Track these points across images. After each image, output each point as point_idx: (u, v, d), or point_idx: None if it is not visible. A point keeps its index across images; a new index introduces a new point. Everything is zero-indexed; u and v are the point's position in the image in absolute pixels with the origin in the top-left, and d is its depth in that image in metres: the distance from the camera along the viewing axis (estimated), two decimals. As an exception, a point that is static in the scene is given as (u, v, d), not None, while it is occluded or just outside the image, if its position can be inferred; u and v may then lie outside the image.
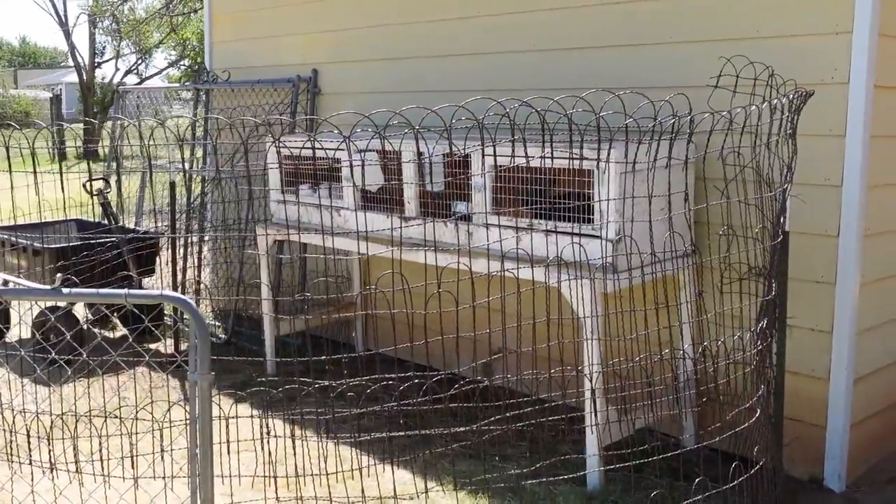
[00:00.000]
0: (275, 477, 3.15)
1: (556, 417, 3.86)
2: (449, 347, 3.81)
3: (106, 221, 6.42)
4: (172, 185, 6.01)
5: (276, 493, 3.28)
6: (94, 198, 6.25)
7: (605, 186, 3.89)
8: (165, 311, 6.74)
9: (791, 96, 3.48)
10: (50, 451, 2.86)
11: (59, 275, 2.48)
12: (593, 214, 4.01)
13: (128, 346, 4.29)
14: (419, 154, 4.61)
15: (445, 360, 4.13)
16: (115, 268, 6.03)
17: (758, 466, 3.34)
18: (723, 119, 3.52)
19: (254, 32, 7.04)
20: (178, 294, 2.37)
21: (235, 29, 7.25)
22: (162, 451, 2.87)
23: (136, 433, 2.78)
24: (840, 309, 4.04)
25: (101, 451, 2.84)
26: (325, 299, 6.16)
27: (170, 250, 6.03)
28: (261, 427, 2.99)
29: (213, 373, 2.34)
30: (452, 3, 5.49)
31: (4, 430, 2.87)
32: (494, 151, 3.85)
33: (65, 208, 5.02)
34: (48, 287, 2.47)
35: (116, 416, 2.84)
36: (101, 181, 6.36)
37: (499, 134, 3.73)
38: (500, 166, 4.24)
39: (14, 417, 2.94)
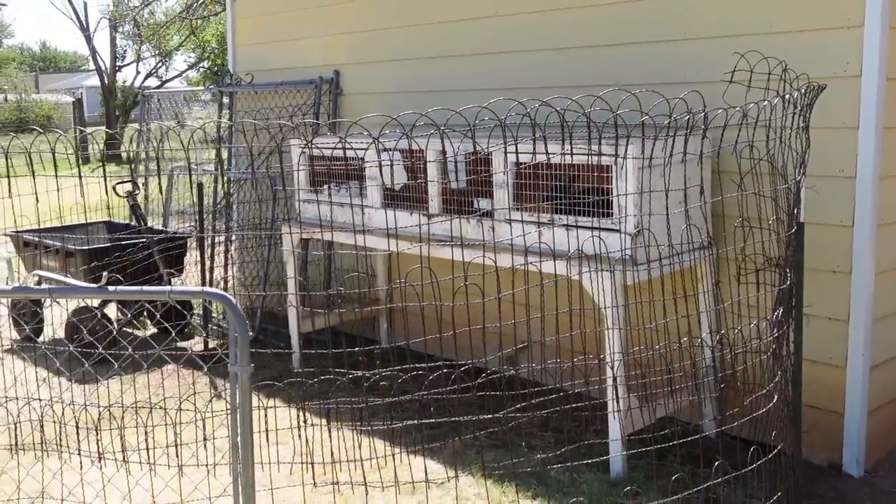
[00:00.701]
0: (312, 463, 3.28)
1: (579, 405, 3.96)
2: (476, 340, 3.93)
3: (135, 223, 6.59)
4: (200, 187, 6.17)
5: (314, 478, 3.41)
6: (125, 199, 6.42)
7: (624, 181, 4.00)
8: (194, 311, 6.91)
9: (804, 90, 3.57)
10: (98, 441, 3.01)
11: (104, 273, 2.61)
12: (612, 209, 4.11)
13: (168, 341, 4.44)
14: (443, 153, 4.73)
15: (472, 352, 4.25)
16: (146, 268, 6.20)
17: (775, 451, 3.44)
18: (737, 114, 3.62)
19: (275, 35, 7.18)
20: (218, 290, 2.50)
21: (257, 32, 7.40)
22: (205, 440, 3.01)
23: (181, 423, 2.92)
24: (856, 298, 4.12)
25: (146, 440, 2.98)
26: (352, 295, 6.30)
27: (198, 250, 6.19)
28: (298, 416, 3.13)
29: (252, 364, 2.47)
30: (471, 3, 5.60)
31: (54, 422, 3.01)
32: (516, 149, 3.96)
33: (85, 211, 5.18)
34: (95, 285, 2.61)
35: (161, 408, 2.98)
36: (129, 184, 6.53)
37: (520, 132, 3.85)
38: (521, 164, 4.36)
39: (63, 410, 3.09)
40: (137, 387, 4.57)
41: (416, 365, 3.54)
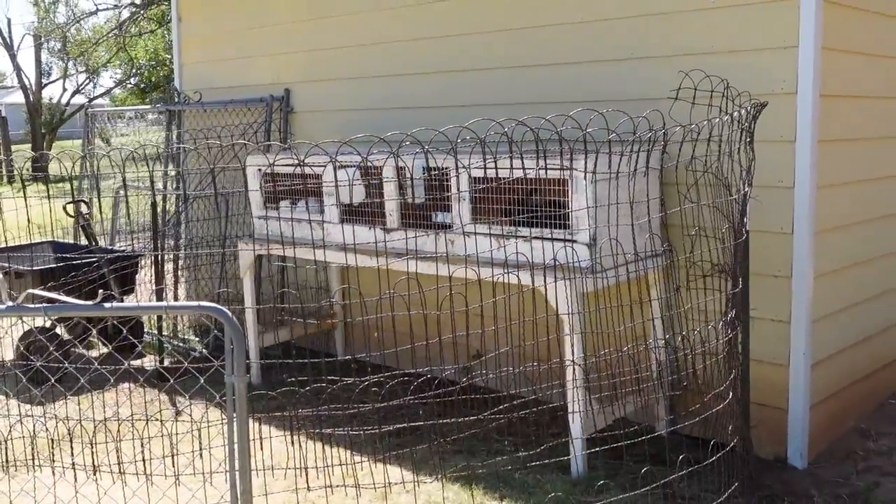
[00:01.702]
0: (305, 468, 3.38)
1: (536, 409, 4.14)
2: (434, 352, 4.08)
3: (85, 242, 6.57)
4: (154, 205, 6.19)
5: (308, 483, 3.50)
6: (75, 219, 6.40)
7: (581, 194, 4.19)
8: (146, 329, 6.90)
9: (749, 107, 3.83)
10: (93, 453, 3.06)
11: (100, 291, 2.67)
12: (570, 221, 4.31)
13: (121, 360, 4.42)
14: (400, 170, 4.87)
15: (430, 363, 4.39)
16: (94, 289, 6.16)
17: (730, 446, 3.66)
18: (690, 130, 3.86)
19: (224, 53, 7.24)
20: (214, 304, 2.60)
21: (205, 50, 7.44)
22: (201, 449, 3.09)
23: (177, 434, 3.00)
24: (796, 300, 4.39)
25: (143, 451, 3.05)
26: (308, 310, 6.39)
27: (154, 267, 6.20)
28: (290, 424, 3.22)
29: (248, 375, 2.57)
30: (423, 22, 5.77)
31: (46, 437, 3.05)
32: (476, 164, 4.13)
33: (29, 231, 5.18)
34: (91, 303, 2.68)
35: (158, 420, 3.05)
36: (81, 203, 6.51)
37: (476, 149, 4.03)
38: (480, 179, 4.53)
39: (57, 425, 3.13)
40: (102, 404, 4.59)
41: (381, 375, 3.66)
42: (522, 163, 4.20)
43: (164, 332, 6.90)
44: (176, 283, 7.24)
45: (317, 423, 4.28)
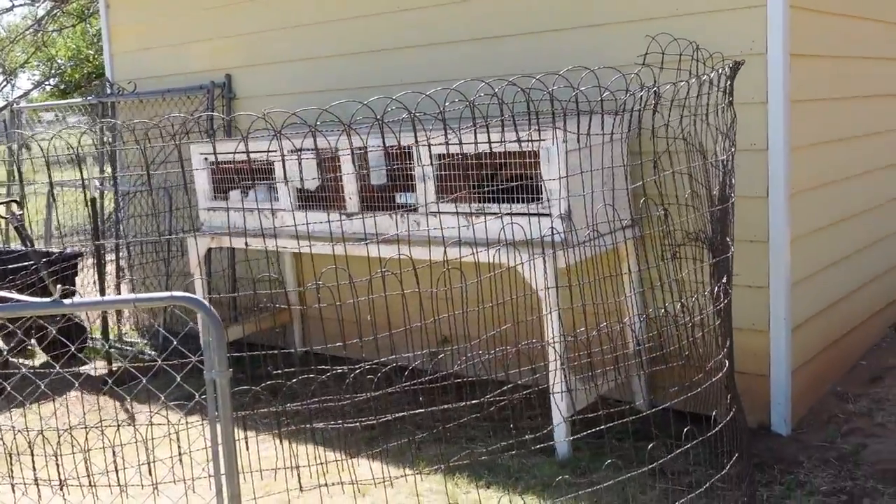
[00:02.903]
0: (297, 468, 3.16)
1: (514, 393, 3.97)
2: (404, 340, 3.89)
3: (20, 244, 6.19)
4: (93, 202, 5.85)
5: (300, 482, 3.28)
6: (8, 220, 6.02)
7: (551, 165, 4.03)
8: (89, 335, 6.56)
9: (729, 66, 3.71)
10: (58, 465, 2.79)
11: (59, 287, 2.41)
12: (541, 194, 4.15)
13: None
14: (359, 149, 4.65)
15: (399, 352, 4.19)
16: (35, 292, 5.82)
17: (728, 417, 3.55)
18: (663, 94, 3.72)
19: (158, 40, 6.90)
20: (188, 294, 2.36)
21: (138, 38, 7.08)
22: (180, 454, 2.84)
23: (153, 439, 2.75)
24: (774, 265, 4.31)
25: (115, 461, 2.79)
26: (262, 304, 6.13)
27: (96, 267, 5.87)
28: (278, 423, 3.00)
29: (231, 370, 2.35)
30: (370, -1, 5.55)
31: (4, 450, 2.76)
32: (431, 139, 3.93)
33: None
34: (47, 300, 2.42)
35: (130, 424, 2.79)
36: (12, 203, 6.13)
37: (437, 124, 3.82)
38: (446, 155, 4.34)
39: (14, 437, 2.84)
40: (61, 413, 4.28)
41: (352, 368, 3.46)
42: (489, 136, 4.02)
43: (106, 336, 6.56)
44: (118, 283, 6.90)
45: (296, 420, 4.07)
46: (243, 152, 5.27)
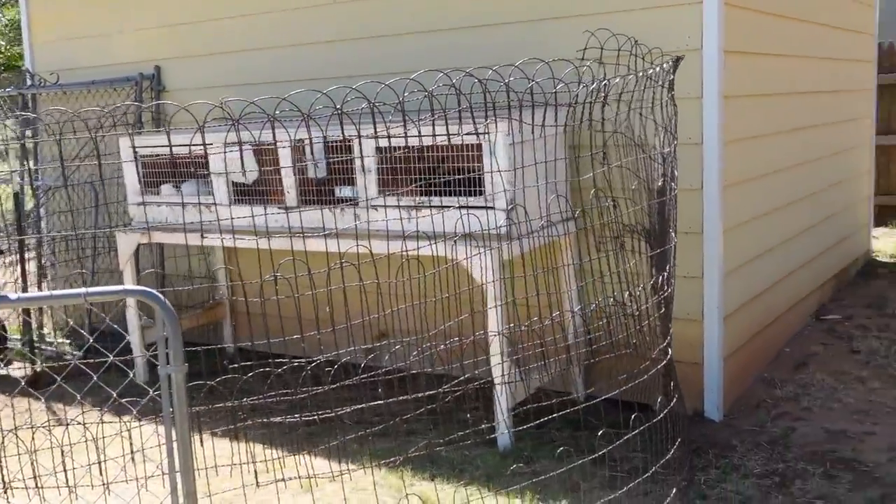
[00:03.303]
0: (254, 462, 3.10)
1: (455, 387, 4.00)
2: (343, 335, 3.87)
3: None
4: (17, 196, 5.66)
5: (256, 478, 3.21)
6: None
7: (495, 158, 4.06)
8: (8, 336, 6.35)
9: (669, 61, 3.79)
10: (2, 468, 2.68)
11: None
12: (484, 187, 4.18)
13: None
14: (298, 141, 4.60)
15: (340, 348, 4.17)
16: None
17: (671, 405, 3.64)
18: (603, 89, 3.79)
19: (84, 30, 6.68)
20: (141, 287, 2.31)
21: (62, 27, 6.85)
22: (132, 452, 2.77)
23: (104, 437, 2.67)
24: (708, 256, 4.44)
25: (63, 461, 2.70)
26: (194, 301, 6.02)
27: (19, 264, 5.68)
28: (233, 418, 2.95)
29: (186, 365, 2.31)
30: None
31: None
32: (375, 131, 3.93)
33: None
34: (-7, 296, 2.33)
35: (80, 423, 2.70)
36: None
37: (378, 117, 3.81)
38: (387, 148, 4.33)
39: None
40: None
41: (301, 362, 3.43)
42: (433, 129, 4.03)
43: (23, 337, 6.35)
44: (39, 282, 6.68)
45: (252, 416, 4.01)
46: (174, 145, 5.17)
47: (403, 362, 4.02)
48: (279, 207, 4.79)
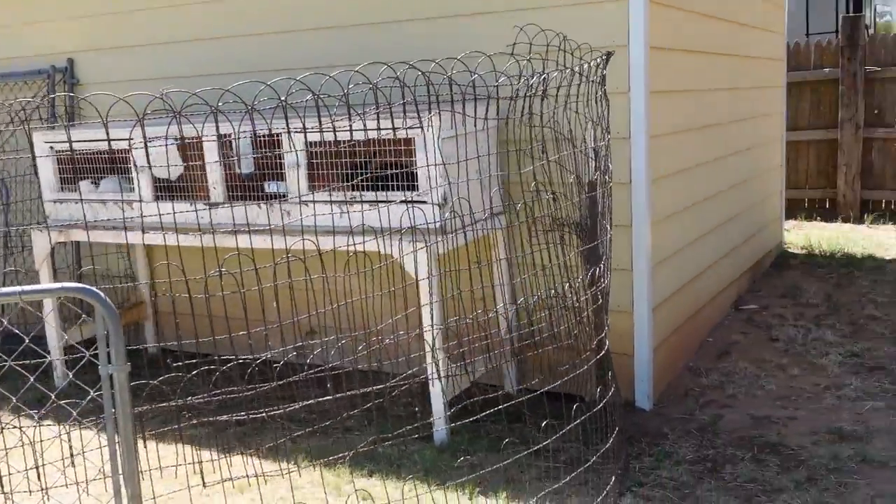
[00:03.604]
0: (199, 462, 3.00)
1: (390, 384, 3.98)
2: (271, 334, 3.81)
3: None
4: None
5: (203, 479, 3.11)
6: None
7: (428, 153, 4.04)
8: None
9: (602, 56, 3.84)
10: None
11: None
12: (417, 181, 4.16)
13: None
14: (225, 136, 4.50)
15: (271, 346, 4.10)
16: None
17: (608, 395, 3.69)
18: (547, 81, 3.81)
19: (-12, 21, 6.40)
20: (80, 284, 2.21)
21: (-35, 18, 6.54)
22: (72, 455, 2.65)
23: (42, 441, 2.55)
24: (637, 248, 4.51)
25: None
26: (116, 301, 5.83)
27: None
28: (177, 417, 2.85)
29: (129, 364, 2.22)
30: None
31: None
32: (308, 126, 3.87)
33: None
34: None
35: (15, 427, 2.57)
36: None
37: (310, 112, 3.75)
38: (318, 142, 4.27)
39: None
40: None
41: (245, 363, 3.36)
42: (364, 123, 4.00)
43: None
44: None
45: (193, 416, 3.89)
46: (93, 140, 5.00)
47: (336, 360, 3.97)
48: (204, 204, 4.68)
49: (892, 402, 4.56)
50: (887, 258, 7.75)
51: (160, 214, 4.39)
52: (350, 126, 3.90)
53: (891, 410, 4.45)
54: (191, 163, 4.71)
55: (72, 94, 5.91)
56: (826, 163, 9.89)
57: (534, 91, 3.77)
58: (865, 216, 9.63)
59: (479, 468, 3.89)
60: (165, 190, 4.85)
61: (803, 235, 8.80)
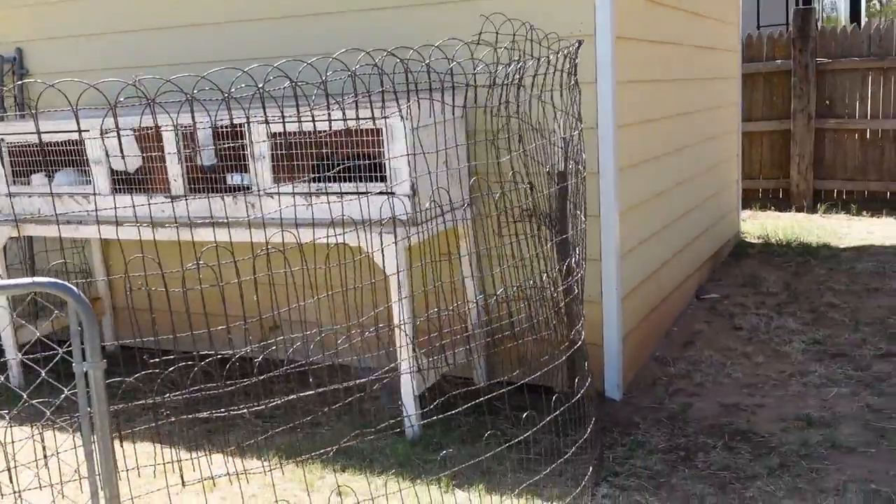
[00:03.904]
0: (178, 461, 2.90)
1: (359, 378, 3.92)
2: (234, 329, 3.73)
3: None
4: None
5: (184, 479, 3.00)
6: None
7: (397, 143, 3.98)
8: None
9: (572, 46, 3.82)
10: None
11: None
12: (386, 172, 4.09)
13: None
14: (184, 126, 4.39)
15: (234, 342, 4.01)
16: None
17: (585, 387, 3.68)
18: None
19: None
20: (52, 279, 2.12)
21: None
22: (45, 457, 2.54)
23: (14, 442, 2.43)
24: (605, 238, 4.51)
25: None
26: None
27: None
28: (154, 415, 2.75)
29: (105, 360, 2.14)
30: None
31: None
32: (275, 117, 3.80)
33: None
34: None
35: None
36: None
37: (269, 102, 3.67)
38: (281, 133, 4.18)
39: None
40: None
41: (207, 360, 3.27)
42: (329, 114, 3.92)
43: None
44: None
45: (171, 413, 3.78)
46: (45, 132, 4.84)
47: (300, 356, 3.90)
48: (165, 196, 4.56)
49: (856, 388, 4.63)
50: (842, 246, 7.89)
51: (115, 208, 4.26)
52: (312, 116, 3.82)
53: (855, 396, 4.52)
54: (147, 154, 4.58)
55: (21, 83, 5.73)
56: (780, 153, 10.04)
57: (510, 80, 3.73)
58: (818, 206, 9.80)
59: (454, 461, 3.85)
60: (124, 183, 4.72)
61: (759, 225, 8.92)
